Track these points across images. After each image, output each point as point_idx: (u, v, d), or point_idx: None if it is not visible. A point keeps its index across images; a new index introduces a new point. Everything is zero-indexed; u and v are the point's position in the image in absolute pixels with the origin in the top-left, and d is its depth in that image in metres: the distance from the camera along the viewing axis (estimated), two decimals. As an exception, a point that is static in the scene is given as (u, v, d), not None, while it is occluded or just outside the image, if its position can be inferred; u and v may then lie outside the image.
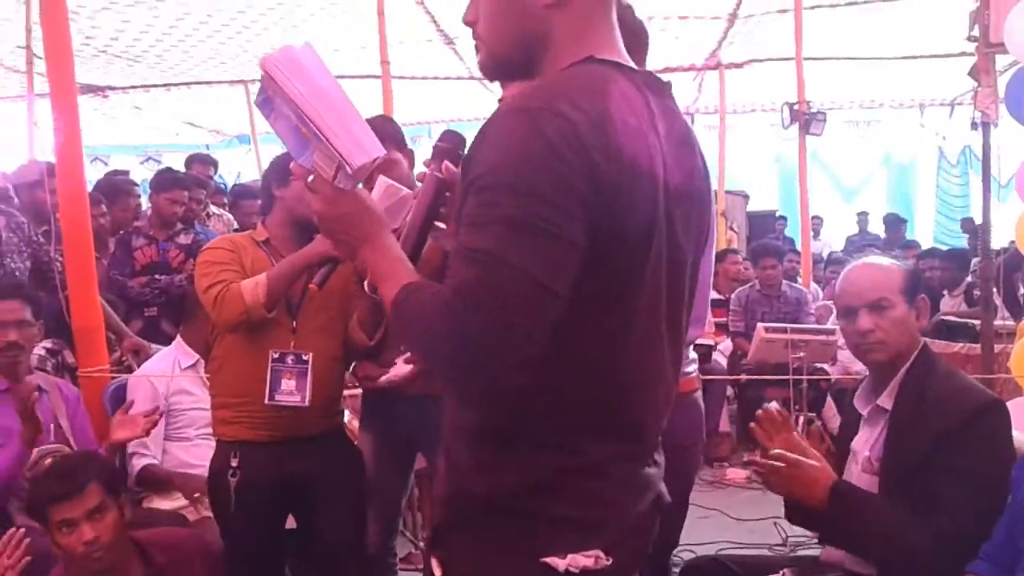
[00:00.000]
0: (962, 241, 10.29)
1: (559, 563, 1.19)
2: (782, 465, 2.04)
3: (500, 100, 2.45)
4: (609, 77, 1.22)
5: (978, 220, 4.47)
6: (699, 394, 2.39)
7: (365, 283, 2.61)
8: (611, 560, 1.23)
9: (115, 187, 5.36)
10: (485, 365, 1.12)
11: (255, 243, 2.70)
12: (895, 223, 10.74)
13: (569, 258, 1.13)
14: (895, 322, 2.12)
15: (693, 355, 2.23)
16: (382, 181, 2.48)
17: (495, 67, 1.36)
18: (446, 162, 1.50)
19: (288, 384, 2.59)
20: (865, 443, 2.16)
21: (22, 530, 2.34)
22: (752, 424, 2.21)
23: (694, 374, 2.19)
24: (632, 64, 1.32)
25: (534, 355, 1.13)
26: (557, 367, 1.20)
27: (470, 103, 9.37)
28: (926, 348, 2.17)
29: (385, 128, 2.90)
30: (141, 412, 2.98)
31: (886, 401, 2.12)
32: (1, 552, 2.29)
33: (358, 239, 1.33)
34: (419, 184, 1.52)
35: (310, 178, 1.35)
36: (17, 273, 3.63)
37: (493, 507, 1.23)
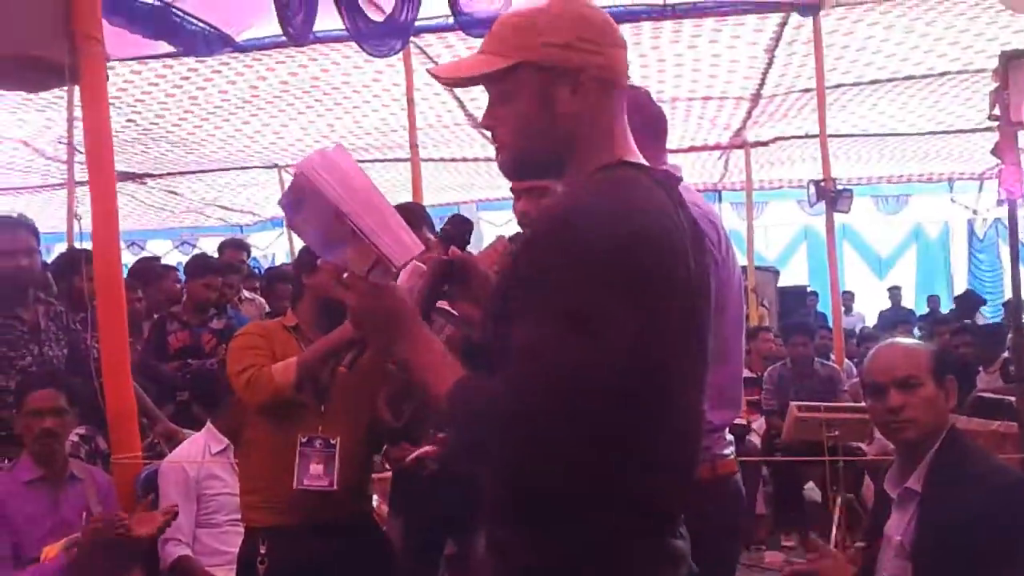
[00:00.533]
0: (998, 314, 10.14)
1: None
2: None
3: (512, 190, 2.52)
4: (646, 182, 1.32)
5: (1008, 295, 4.41)
6: (739, 476, 2.35)
7: (392, 363, 2.65)
8: None
9: (149, 271, 5.47)
10: (546, 454, 1.18)
11: (285, 329, 2.76)
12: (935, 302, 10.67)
13: (627, 355, 1.19)
14: (924, 400, 2.11)
15: (730, 437, 2.20)
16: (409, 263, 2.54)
17: (520, 168, 1.43)
18: (453, 247, 1.55)
19: (316, 468, 2.60)
20: (896, 528, 2.12)
21: None
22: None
23: (732, 456, 2.16)
24: (643, 160, 1.39)
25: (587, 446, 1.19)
26: (604, 450, 1.23)
27: (496, 184, 9.53)
28: (954, 429, 2.15)
29: (416, 212, 2.98)
30: (159, 509, 2.98)
31: (915, 484, 2.09)
32: None
33: (394, 334, 1.35)
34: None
35: (344, 275, 1.37)
36: (55, 361, 3.68)
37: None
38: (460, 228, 1.60)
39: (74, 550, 2.74)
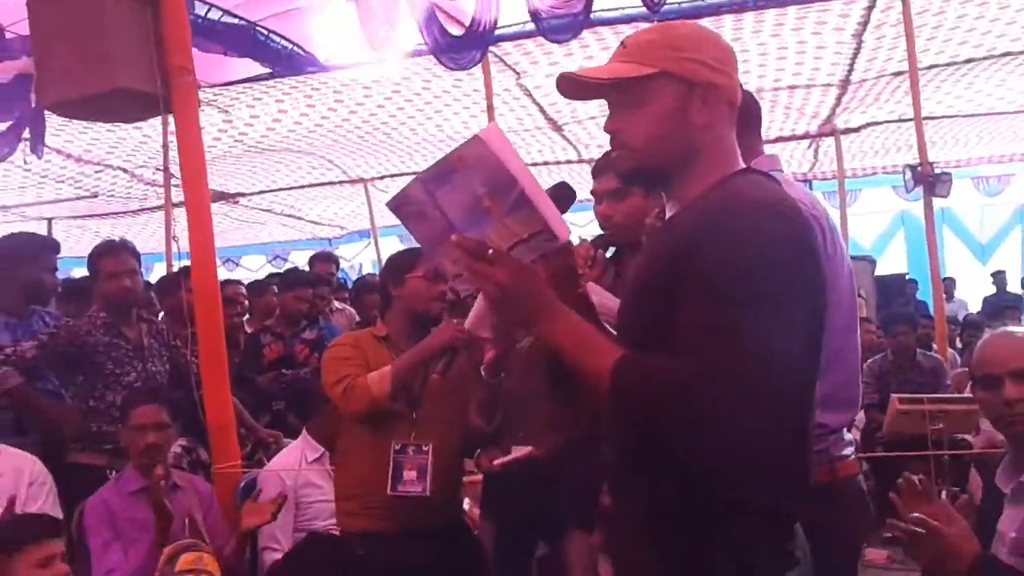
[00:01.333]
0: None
1: None
2: (923, 532, 1.92)
3: (593, 192, 2.49)
4: (774, 183, 1.42)
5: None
6: (860, 477, 2.28)
7: (482, 369, 2.66)
8: None
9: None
10: (721, 433, 1.23)
11: (376, 339, 2.81)
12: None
13: (803, 346, 1.29)
14: None
15: (848, 438, 2.14)
16: None
17: (641, 174, 1.51)
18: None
19: (409, 475, 2.64)
20: (1011, 523, 2.02)
21: None
22: (892, 494, 2.11)
23: (852, 457, 2.10)
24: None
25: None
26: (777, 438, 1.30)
27: (577, 186, 9.47)
28: (1072, 421, 2.03)
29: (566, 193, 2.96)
30: (268, 499, 3.07)
31: (1030, 477, 1.98)
32: None
33: (538, 312, 1.39)
34: None
35: (490, 251, 1.38)
36: (158, 376, 3.83)
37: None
38: (563, 194, 1.58)
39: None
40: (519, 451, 2.73)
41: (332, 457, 3.20)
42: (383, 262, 3.36)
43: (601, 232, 2.50)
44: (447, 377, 2.46)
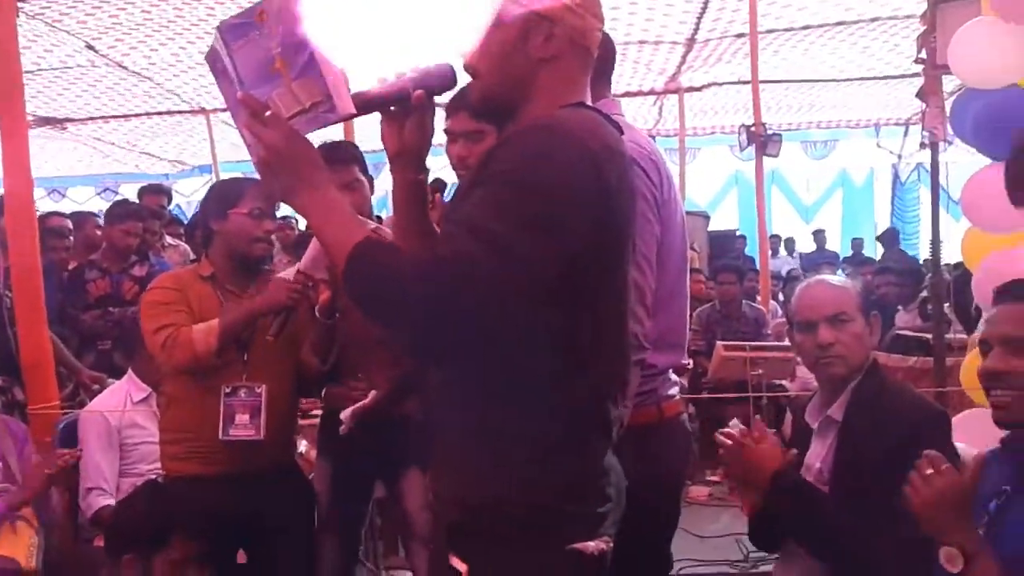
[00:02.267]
0: (916, 257, 10.43)
1: (589, 547, 1.35)
2: (738, 444, 2.09)
3: (446, 131, 2.46)
4: (602, 120, 1.42)
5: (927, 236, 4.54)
6: (685, 416, 2.37)
7: (316, 310, 2.61)
8: (611, 544, 1.40)
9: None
10: (449, 329, 1.24)
11: (200, 278, 2.68)
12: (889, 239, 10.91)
13: (555, 264, 1.27)
14: (854, 336, 2.15)
15: (675, 378, 2.22)
16: None
17: (485, 103, 1.51)
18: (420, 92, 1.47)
19: (242, 418, 2.56)
20: (816, 455, 2.18)
21: None
22: (716, 433, 2.25)
23: (678, 397, 2.18)
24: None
25: (498, 332, 1.26)
26: (567, 365, 1.34)
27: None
28: (875, 363, 2.20)
29: (349, 151, 2.90)
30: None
31: (836, 413, 2.14)
32: None
33: (304, 182, 1.35)
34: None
35: (267, 112, 1.34)
36: (-34, 309, 3.57)
37: (525, 509, 1.34)
38: (442, 72, 1.48)
39: None
40: (363, 402, 2.72)
41: (159, 399, 3.07)
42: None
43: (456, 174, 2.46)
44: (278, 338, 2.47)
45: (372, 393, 2.68)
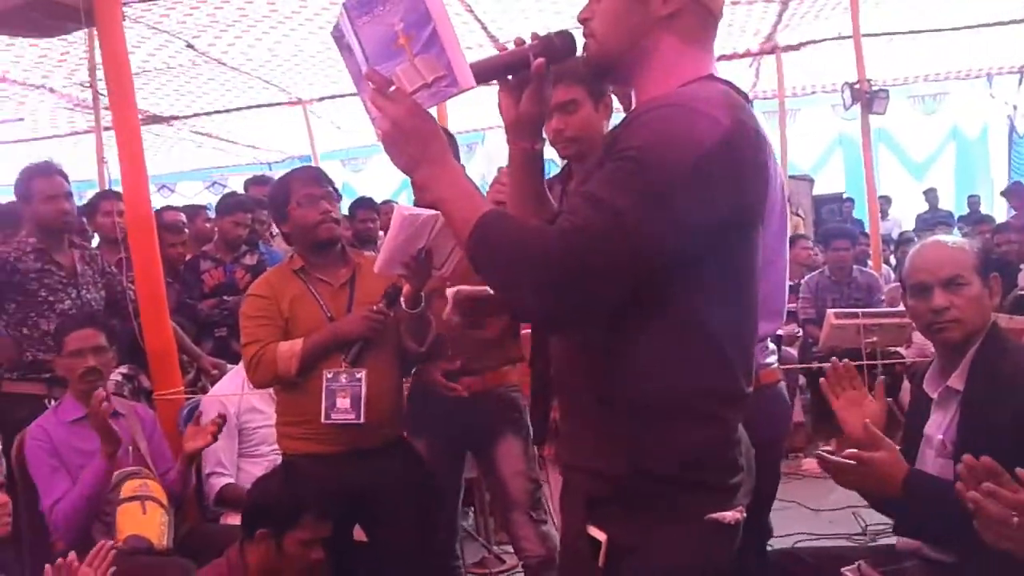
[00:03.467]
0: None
1: (726, 516, 1.38)
2: (852, 463, 1.98)
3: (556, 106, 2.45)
4: (732, 95, 1.38)
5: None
6: (783, 385, 2.35)
7: (403, 302, 2.66)
8: (745, 514, 1.42)
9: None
10: (574, 299, 1.27)
11: (292, 273, 2.76)
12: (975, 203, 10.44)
13: (681, 244, 1.27)
14: (970, 300, 2.07)
15: (772, 347, 2.19)
16: (398, 211, 2.54)
17: (600, 62, 1.47)
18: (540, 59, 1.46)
19: (343, 403, 2.64)
20: (938, 427, 2.10)
21: (111, 542, 2.34)
22: (821, 380, 2.25)
23: (775, 365, 2.15)
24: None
25: (613, 304, 1.29)
26: (700, 338, 1.35)
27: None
28: (996, 326, 2.11)
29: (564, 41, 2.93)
30: (208, 421, 3.05)
31: (957, 382, 2.06)
32: (89, 563, 2.32)
33: (427, 156, 1.37)
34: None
35: (391, 88, 1.36)
36: (93, 304, 3.75)
37: (664, 482, 1.36)
38: (564, 41, 1.48)
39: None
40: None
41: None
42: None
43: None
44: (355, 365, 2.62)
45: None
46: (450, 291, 2.41)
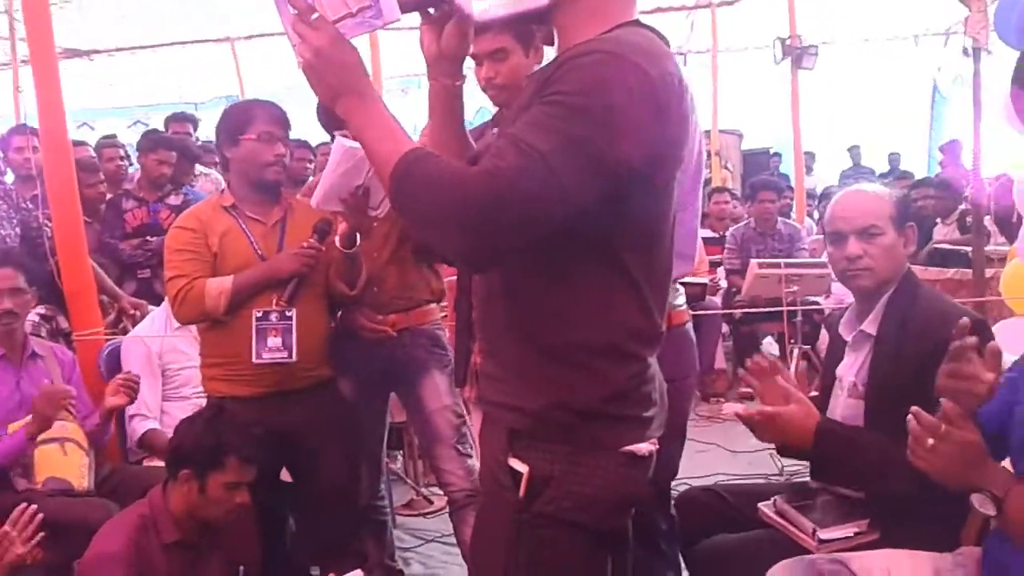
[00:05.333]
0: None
1: (641, 448, 1.43)
2: (761, 420, 2.07)
3: (473, 56, 2.44)
4: (659, 42, 1.38)
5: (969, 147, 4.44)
6: (689, 326, 2.42)
7: (337, 241, 2.64)
8: (657, 445, 1.48)
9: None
10: (495, 241, 1.27)
11: (223, 209, 2.70)
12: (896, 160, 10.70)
13: (605, 188, 1.28)
14: (884, 249, 2.13)
15: (680, 288, 2.24)
16: (340, 142, 2.49)
17: (526, 10, 1.46)
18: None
19: (274, 341, 2.61)
20: (850, 369, 2.18)
21: (33, 506, 2.30)
22: (742, 371, 2.28)
23: (683, 307, 2.21)
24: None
25: (538, 238, 1.29)
26: (620, 280, 1.37)
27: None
28: (910, 274, 2.17)
29: None
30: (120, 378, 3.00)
31: (870, 327, 2.13)
32: (13, 526, 2.28)
33: (349, 88, 1.34)
34: None
35: (314, 15, 1.32)
36: (7, 240, 3.63)
37: (583, 415, 1.39)
38: None
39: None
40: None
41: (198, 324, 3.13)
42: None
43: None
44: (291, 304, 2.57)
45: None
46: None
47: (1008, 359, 2.10)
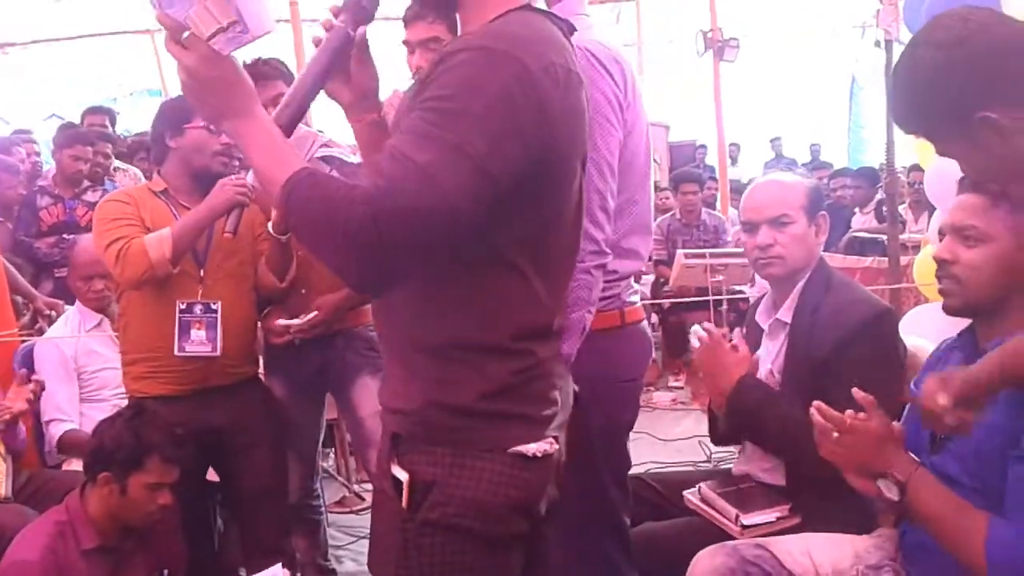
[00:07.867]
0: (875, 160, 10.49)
1: (529, 449, 1.33)
2: (708, 342, 2.18)
3: (405, 43, 2.43)
4: (549, 29, 1.32)
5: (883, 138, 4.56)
6: (645, 323, 2.41)
7: (270, 226, 2.60)
8: (558, 445, 1.39)
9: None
10: (387, 262, 1.20)
11: (153, 194, 2.64)
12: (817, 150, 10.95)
13: (490, 192, 1.21)
14: (794, 238, 2.18)
15: (636, 286, 2.25)
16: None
17: None
18: (362, 27, 1.42)
19: (198, 334, 2.56)
20: (767, 356, 2.23)
21: None
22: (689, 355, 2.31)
23: (639, 304, 2.21)
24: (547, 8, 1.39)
25: (438, 261, 1.25)
26: (508, 277, 1.32)
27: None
28: (822, 262, 2.23)
29: (274, 67, 2.87)
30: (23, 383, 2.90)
31: (785, 315, 2.18)
32: None
33: (230, 107, 1.29)
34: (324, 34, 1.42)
35: (185, 34, 1.27)
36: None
37: (462, 413, 1.32)
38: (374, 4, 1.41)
39: None
40: (305, 317, 2.76)
41: (113, 323, 3.05)
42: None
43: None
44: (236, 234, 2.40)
45: (311, 316, 2.74)
46: None
47: (923, 344, 2.18)
